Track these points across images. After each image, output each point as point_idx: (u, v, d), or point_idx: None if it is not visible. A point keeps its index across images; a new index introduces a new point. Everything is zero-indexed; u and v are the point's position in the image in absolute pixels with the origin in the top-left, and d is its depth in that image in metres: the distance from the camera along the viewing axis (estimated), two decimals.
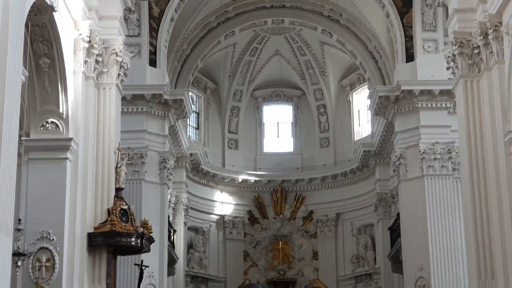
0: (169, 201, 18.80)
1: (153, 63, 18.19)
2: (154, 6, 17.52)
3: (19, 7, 7.80)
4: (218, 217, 22.98)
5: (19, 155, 9.70)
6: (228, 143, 23.96)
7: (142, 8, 17.36)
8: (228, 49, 22.94)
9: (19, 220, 9.49)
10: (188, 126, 22.02)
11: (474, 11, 12.35)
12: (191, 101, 20.54)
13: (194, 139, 22.53)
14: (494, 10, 11.55)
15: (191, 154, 20.67)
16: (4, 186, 7.18)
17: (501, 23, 11.47)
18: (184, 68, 20.64)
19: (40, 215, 10.69)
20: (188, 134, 21.46)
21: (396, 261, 18.87)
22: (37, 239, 10.67)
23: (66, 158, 10.81)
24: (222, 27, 20.72)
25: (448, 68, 13.09)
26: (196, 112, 23.09)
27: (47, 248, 10.64)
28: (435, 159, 17.25)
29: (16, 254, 9.01)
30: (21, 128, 10.14)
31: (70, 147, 10.88)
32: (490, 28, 11.58)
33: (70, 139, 10.86)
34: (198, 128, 23.45)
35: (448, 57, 12.69)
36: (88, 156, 11.40)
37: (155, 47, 18.17)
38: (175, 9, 17.89)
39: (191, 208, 21.30)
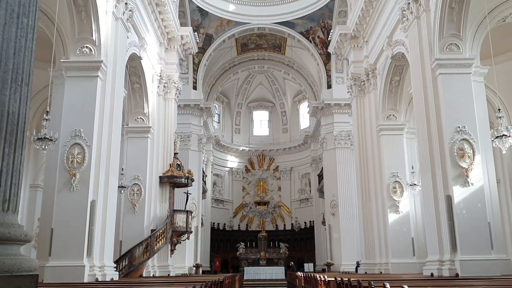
0: (203, 161, 29.03)
1: (194, 88, 27.64)
2: (195, 57, 27.27)
3: (123, 56, 13.84)
4: (229, 168, 35.34)
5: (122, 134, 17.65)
6: (234, 130, 36.77)
7: (190, 58, 26.98)
8: (235, 81, 34.98)
9: (122, 169, 16.15)
10: (213, 121, 33.27)
11: (362, 62, 19.17)
12: (215, 108, 32.78)
13: (217, 128, 34.38)
14: (372, 61, 18.28)
15: (215, 136, 32.28)
16: (114, 155, 14.43)
17: (375, 68, 18.15)
18: (211, 91, 31.22)
19: (135, 167, 17.13)
20: (213, 125, 32.63)
21: (321, 191, 29.17)
22: (133, 179, 17.15)
23: (147, 137, 17.53)
24: (231, 69, 32.14)
25: (348, 92, 20.11)
26: (218, 114, 35.25)
27: (137, 184, 17.17)
28: (341, 139, 25.91)
29: (120, 187, 15.34)
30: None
31: (150, 131, 17.50)
32: (370, 71, 18.42)
33: (150, 127, 17.60)
34: (219, 123, 35.52)
35: (348, 86, 19.78)
36: (159, 136, 18.61)
37: (196, 79, 27.74)
38: (206, 59, 28.08)
39: (215, 164, 33.47)
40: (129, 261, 16.28)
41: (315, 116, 28.90)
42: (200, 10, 27.56)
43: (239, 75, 34.25)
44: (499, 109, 10.62)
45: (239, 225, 35.50)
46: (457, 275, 10.80)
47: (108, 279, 11.91)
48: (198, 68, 27.82)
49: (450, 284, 7.72)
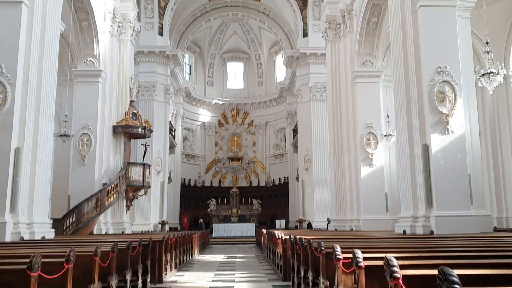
0: (172, 113, 27.80)
1: (160, 34, 25.56)
2: (161, 1, 24.90)
3: None
4: (201, 123, 33.64)
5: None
6: (207, 82, 34.69)
7: (155, 1, 24.82)
8: (207, 29, 32.58)
9: (66, 115, 14.33)
10: (185, 72, 31.70)
11: (338, 3, 17.57)
12: (186, 58, 30.98)
13: (188, 79, 32.35)
14: (348, 2, 16.69)
15: (185, 88, 30.37)
16: (47, 96, 11.09)
17: (352, 9, 16.59)
18: (181, 39, 29.04)
19: (86, 115, 15.60)
20: (184, 76, 30.96)
21: (295, 146, 27.83)
22: (81, 128, 15.57)
23: (98, 82, 15.90)
24: (203, 16, 29.92)
25: (322, 37, 18.57)
26: (189, 65, 33.11)
27: (86, 133, 15.63)
28: (316, 91, 24.49)
29: (63, 135, 13.80)
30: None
31: (101, 75, 15.90)
32: (346, 12, 16.87)
33: (101, 70, 15.96)
34: (190, 74, 33.38)
35: (323, 30, 18.21)
36: (112, 81, 16.87)
37: (162, 25, 25.59)
38: (174, 3, 25.85)
39: (186, 117, 31.63)
40: (76, 218, 14.89)
41: (290, 67, 27.22)
42: None
43: (212, 23, 31.89)
44: (487, 43, 9.11)
45: (211, 181, 34.19)
46: (431, 232, 9.65)
47: (38, 237, 10.45)
48: (164, 13, 25.49)
49: (422, 244, 6.45)
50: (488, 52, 8.93)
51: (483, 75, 8.86)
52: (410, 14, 11.18)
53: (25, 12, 10.72)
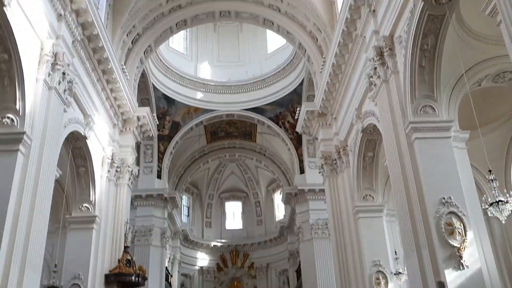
0: (169, 258, 26.40)
1: (159, 177, 25.76)
2: (161, 146, 25.87)
3: (56, 131, 11.55)
4: (199, 267, 31.90)
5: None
6: (205, 223, 33.93)
7: (155, 147, 25.66)
8: (205, 170, 33.11)
9: (55, 265, 13.59)
10: (182, 215, 31.35)
11: (332, 140, 17.83)
12: (184, 200, 31.01)
13: (186, 222, 31.68)
14: (342, 138, 16.90)
15: (183, 230, 29.58)
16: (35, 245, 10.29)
17: (346, 145, 16.71)
18: (180, 181, 29.24)
19: (78, 263, 14.52)
20: (182, 219, 30.62)
21: None
22: (72, 278, 14.32)
23: (92, 228, 15.08)
24: (201, 158, 30.59)
25: (319, 172, 18.49)
26: (187, 207, 32.81)
27: (77, 284, 14.29)
28: (318, 228, 23.74)
29: (51, 287, 12.98)
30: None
31: (95, 221, 15.05)
32: (341, 148, 16.93)
33: (95, 216, 15.17)
34: (188, 216, 32.88)
35: (319, 166, 18.18)
36: (107, 227, 16.12)
37: (161, 168, 25.97)
38: (173, 147, 26.64)
39: (183, 262, 30.08)
40: None
41: (289, 204, 26.73)
42: (166, 97, 26.52)
43: (210, 164, 32.23)
44: (489, 171, 8.89)
45: None
46: None
47: None
48: (163, 157, 26.00)
49: None
50: (492, 180, 8.68)
51: (491, 204, 8.48)
52: (406, 146, 11.23)
53: (20, 159, 10.65)
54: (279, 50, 27.27)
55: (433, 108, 11.27)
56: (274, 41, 27.55)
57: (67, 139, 13.97)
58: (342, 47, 15.45)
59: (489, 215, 9.31)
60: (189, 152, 29.72)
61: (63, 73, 12.50)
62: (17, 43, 10.37)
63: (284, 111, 26.67)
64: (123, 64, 17.68)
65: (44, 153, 11.41)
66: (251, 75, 27.50)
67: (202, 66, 28.20)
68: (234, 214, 35.30)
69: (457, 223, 9.87)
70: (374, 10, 13.03)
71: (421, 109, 11.25)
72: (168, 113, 26.78)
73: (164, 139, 26.68)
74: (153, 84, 24.63)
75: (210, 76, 27.92)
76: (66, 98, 12.86)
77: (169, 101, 26.42)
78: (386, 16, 12.30)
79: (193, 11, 19.74)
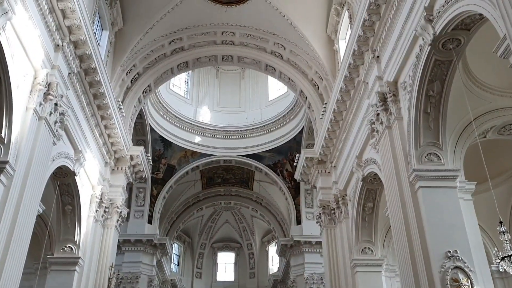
0: None
1: (150, 222, 24.86)
2: (154, 189, 25.03)
3: (42, 163, 10.97)
4: None
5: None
6: (195, 274, 32.54)
7: (147, 190, 24.89)
8: (199, 218, 32.29)
9: None
10: (172, 263, 30.26)
11: (330, 188, 17.23)
12: (173, 247, 29.44)
13: (175, 271, 30.38)
14: (342, 187, 16.33)
15: (171, 280, 28.00)
16: None
17: (346, 195, 16.12)
18: (171, 228, 28.37)
19: None
20: (171, 267, 29.54)
21: None
22: None
23: (74, 270, 14.22)
24: (195, 205, 29.79)
25: (317, 222, 17.76)
26: (177, 255, 31.45)
27: None
28: (313, 283, 22.58)
29: None
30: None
31: (78, 263, 14.32)
32: (340, 198, 16.32)
33: (79, 257, 14.39)
34: (178, 265, 31.55)
35: (317, 215, 17.44)
36: (91, 270, 15.27)
37: (152, 213, 25.11)
38: (166, 192, 25.96)
39: None
40: None
41: (284, 256, 25.77)
42: (163, 140, 26.08)
43: (204, 212, 31.52)
44: (500, 222, 8.26)
45: None
46: None
47: None
48: (156, 201, 25.24)
49: None
50: (504, 233, 8.03)
51: (503, 258, 7.80)
52: (410, 195, 10.63)
53: (0, 190, 9.98)
54: (280, 97, 27.12)
55: (438, 156, 10.77)
56: (275, 88, 27.54)
57: (54, 174, 13.38)
58: (344, 93, 15.17)
59: (500, 269, 8.52)
60: (183, 198, 29.06)
61: (56, 104, 12.06)
62: (8, 68, 9.95)
63: (282, 158, 26.24)
64: (119, 101, 17.30)
65: (27, 185, 10.75)
66: (251, 121, 27.24)
67: (202, 110, 27.98)
68: (226, 266, 34.19)
69: (463, 279, 9.16)
70: (378, 56, 12.80)
71: (425, 157, 10.75)
72: (164, 155, 26.30)
73: (158, 182, 26.07)
74: (150, 126, 24.25)
75: (209, 120, 27.62)
76: (57, 131, 12.34)
77: (166, 143, 25.99)
78: (390, 61, 12.04)
79: (196, 54, 19.61)
